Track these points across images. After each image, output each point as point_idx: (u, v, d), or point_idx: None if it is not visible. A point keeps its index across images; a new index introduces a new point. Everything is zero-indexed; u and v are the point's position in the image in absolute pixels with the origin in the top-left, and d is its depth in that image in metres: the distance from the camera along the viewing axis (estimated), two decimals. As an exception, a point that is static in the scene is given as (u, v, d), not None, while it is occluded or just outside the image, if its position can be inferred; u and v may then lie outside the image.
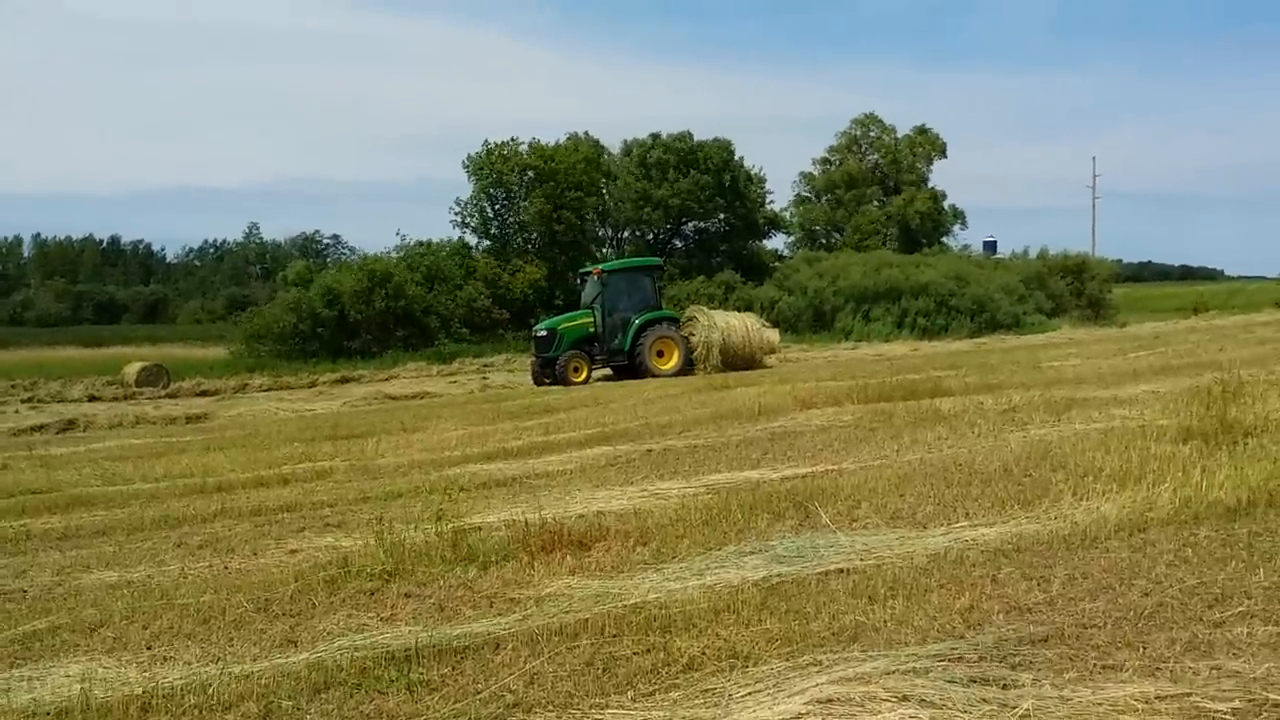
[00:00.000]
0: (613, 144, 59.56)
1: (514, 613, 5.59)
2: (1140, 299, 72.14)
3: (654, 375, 27.52)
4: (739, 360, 29.46)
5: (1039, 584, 5.42)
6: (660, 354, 28.30)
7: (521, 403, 21.12)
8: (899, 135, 69.13)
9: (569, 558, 6.60)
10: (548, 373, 28.03)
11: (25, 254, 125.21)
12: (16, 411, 27.98)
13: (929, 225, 65.24)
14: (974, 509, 7.13)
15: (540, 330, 28.71)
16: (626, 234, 59.32)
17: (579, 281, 31.50)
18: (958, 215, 69.22)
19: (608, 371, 29.08)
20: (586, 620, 5.31)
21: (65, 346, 58.85)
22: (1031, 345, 33.04)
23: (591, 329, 28.30)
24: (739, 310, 36.42)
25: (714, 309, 32.18)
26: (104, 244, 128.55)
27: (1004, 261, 60.81)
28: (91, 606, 6.56)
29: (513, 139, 53.17)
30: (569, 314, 29.44)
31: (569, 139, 55.78)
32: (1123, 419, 10.62)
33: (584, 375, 27.79)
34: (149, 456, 15.64)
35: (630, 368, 28.21)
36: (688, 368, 28.54)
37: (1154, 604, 5.01)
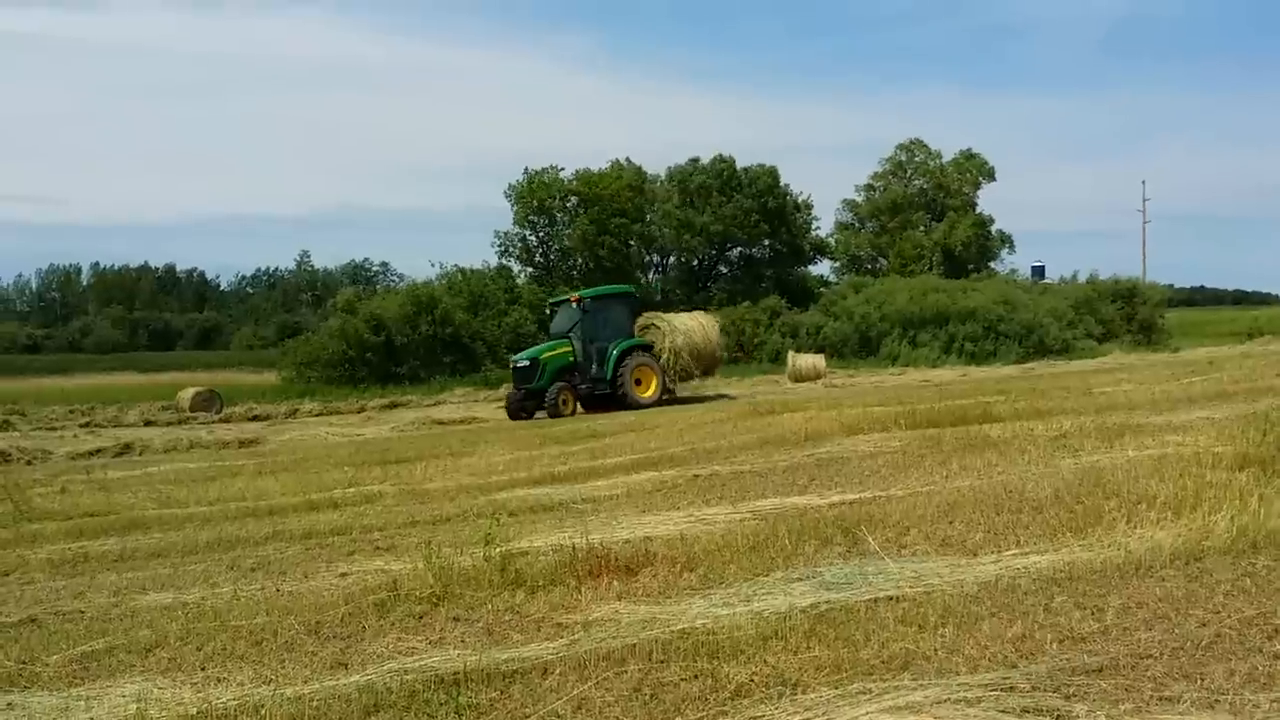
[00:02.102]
0: (657, 171, 59.78)
1: (561, 637, 5.59)
2: (1194, 324, 71.19)
3: (635, 405, 26.95)
4: (704, 358, 29.59)
5: (1093, 613, 5.35)
6: (638, 382, 27.84)
7: (567, 428, 21.17)
8: (945, 160, 68.90)
9: (616, 583, 6.59)
10: (529, 405, 27.13)
11: (84, 282, 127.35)
12: (75, 436, 28.45)
13: (974, 251, 64.86)
14: (1025, 536, 7.05)
15: (521, 361, 27.88)
16: (671, 259, 59.45)
17: (549, 311, 30.64)
18: (1005, 239, 68.91)
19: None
20: (634, 646, 5.30)
21: (122, 372, 59.74)
22: (1082, 371, 32.69)
23: (571, 358, 27.51)
24: (693, 311, 34.91)
25: (670, 315, 31.64)
26: (160, 272, 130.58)
27: (1053, 286, 60.39)
28: (147, 628, 6.62)
29: (552, 165, 53.48)
30: (548, 344, 28.40)
31: (611, 165, 55.98)
32: (1177, 445, 10.46)
33: (571, 407, 26.99)
34: (203, 480, 15.83)
35: (611, 397, 27.41)
36: (666, 393, 28.37)
37: (1211, 634, 4.93)
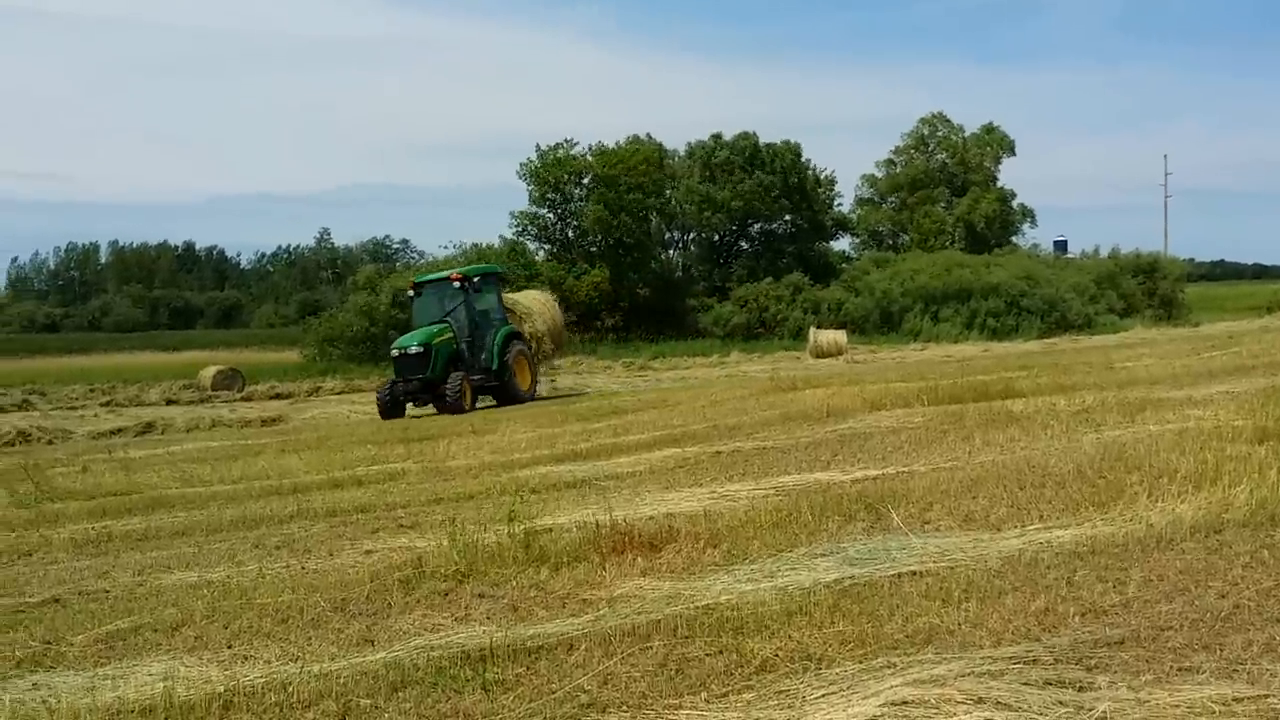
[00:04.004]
0: (677, 147, 59.61)
1: (586, 613, 5.62)
2: (1214, 298, 70.91)
3: (518, 398, 24.48)
4: (559, 341, 28.42)
5: (1114, 586, 5.36)
6: (514, 374, 25.01)
7: (590, 405, 21.21)
8: (966, 134, 68.55)
9: (640, 559, 6.62)
10: (422, 398, 23.67)
11: (103, 260, 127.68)
12: (96, 415, 28.62)
13: (996, 226, 64.62)
14: (1048, 511, 7.05)
15: (411, 347, 23.60)
16: (692, 236, 59.35)
17: (412, 292, 25.61)
18: (1027, 214, 68.66)
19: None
20: (659, 621, 5.33)
21: (143, 351, 60.06)
22: (1104, 345, 32.60)
23: (455, 345, 23.98)
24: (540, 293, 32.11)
25: (514, 295, 29.38)
26: (179, 250, 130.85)
27: (1075, 261, 60.31)
28: (173, 606, 6.67)
29: (565, 141, 53.30)
30: (433, 328, 24.09)
31: (630, 141, 55.78)
32: (1197, 420, 10.43)
33: (469, 401, 23.49)
34: (226, 459, 15.92)
35: (498, 389, 24.63)
36: (534, 385, 25.97)
37: (1230, 606, 4.93)
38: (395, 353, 24.01)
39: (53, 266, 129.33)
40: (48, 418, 27.53)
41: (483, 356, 24.25)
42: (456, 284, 24.37)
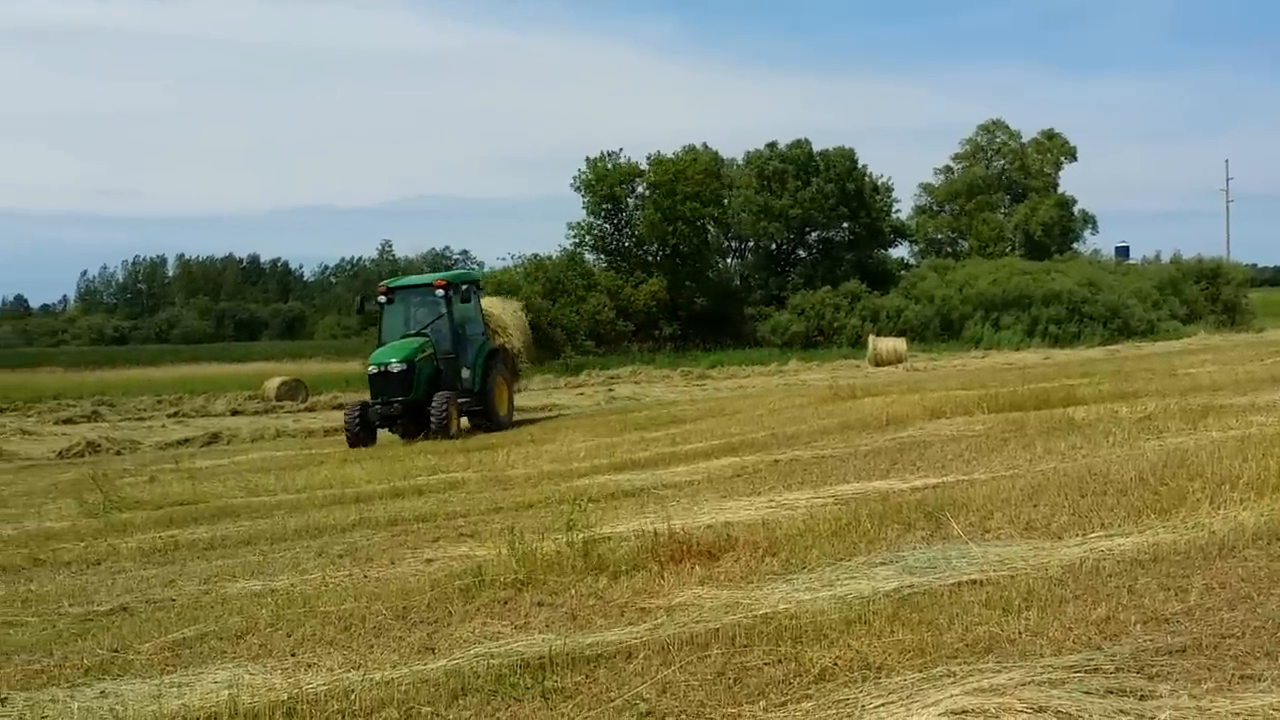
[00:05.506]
0: (734, 155, 59.48)
1: (645, 622, 5.64)
2: (1277, 303, 69.56)
3: (499, 424, 21.42)
4: (533, 354, 25.86)
5: (1176, 594, 5.31)
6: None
7: (648, 414, 21.25)
8: (1025, 140, 67.88)
9: (698, 568, 6.63)
10: (394, 425, 20.38)
11: (170, 274, 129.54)
12: (163, 426, 29.04)
13: (1057, 232, 63.93)
14: (1109, 519, 6.99)
15: (392, 363, 20.11)
16: (750, 245, 59.23)
17: (384, 299, 21.54)
18: (1088, 220, 67.73)
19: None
20: (717, 630, 5.34)
21: (208, 363, 60.69)
22: (1166, 352, 32.20)
23: (435, 363, 20.74)
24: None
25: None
26: (244, 263, 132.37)
27: (1137, 267, 59.60)
28: (237, 614, 6.76)
29: (615, 150, 53.42)
30: (407, 343, 20.72)
31: (686, 150, 55.75)
32: (1260, 426, 10.30)
33: (457, 425, 20.39)
34: (289, 468, 16.12)
35: (481, 413, 21.32)
36: (511, 409, 22.86)
37: (1294, 614, 4.88)
38: (373, 369, 20.45)
39: (121, 280, 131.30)
40: (116, 429, 27.97)
41: (464, 375, 21.06)
42: (440, 292, 21.07)
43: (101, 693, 5.32)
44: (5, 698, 5.36)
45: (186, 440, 24.37)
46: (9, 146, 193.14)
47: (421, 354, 20.35)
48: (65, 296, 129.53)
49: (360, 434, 19.84)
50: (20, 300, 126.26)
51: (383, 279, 28.85)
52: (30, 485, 16.63)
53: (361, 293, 27.23)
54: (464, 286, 21.73)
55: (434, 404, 19.69)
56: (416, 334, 20.98)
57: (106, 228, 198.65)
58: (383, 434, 20.51)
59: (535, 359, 26.78)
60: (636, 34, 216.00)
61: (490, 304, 24.56)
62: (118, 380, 45.44)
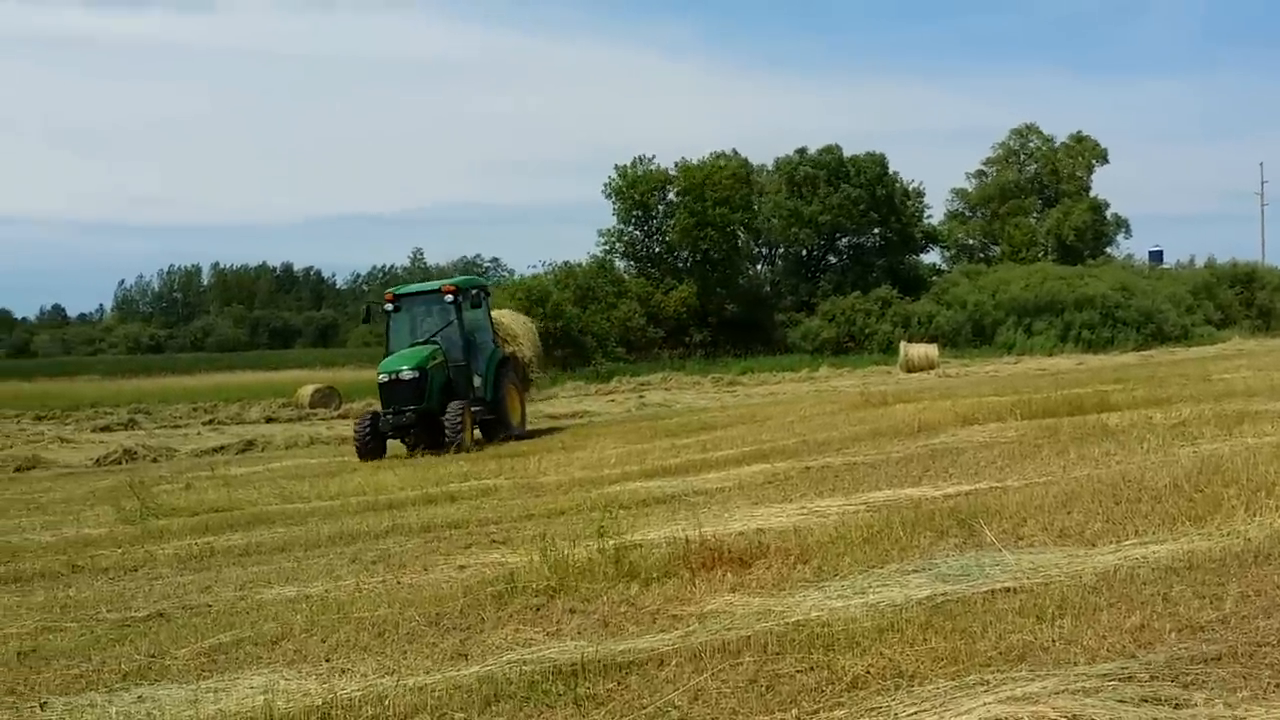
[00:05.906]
0: (763, 161, 59.45)
1: (677, 629, 5.65)
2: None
3: (511, 434, 20.93)
4: (544, 363, 25.96)
5: (1211, 602, 5.28)
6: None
7: (679, 421, 21.25)
8: (1056, 144, 67.46)
9: (730, 575, 6.63)
10: (406, 435, 19.71)
11: (205, 282, 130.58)
12: (199, 433, 29.29)
13: (1089, 236, 63.52)
14: (1144, 526, 6.95)
15: (404, 371, 19.54)
16: (780, 250, 59.15)
17: (390, 306, 21.29)
18: (1121, 224, 67.25)
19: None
20: (749, 638, 5.34)
21: (243, 371, 60.99)
22: (1200, 357, 31.97)
23: (446, 371, 20.23)
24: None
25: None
26: (278, 271, 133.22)
27: (1170, 271, 59.18)
28: (273, 620, 6.82)
29: (645, 156, 53.47)
30: (418, 350, 20.18)
31: (715, 156, 55.76)
32: (1298, 432, 10.22)
33: (472, 436, 19.74)
34: (323, 475, 16.21)
35: (493, 423, 20.89)
36: (524, 417, 22.59)
37: (1331, 623, 4.84)
38: (383, 378, 19.85)
39: (157, 289, 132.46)
40: (153, 436, 28.25)
41: (476, 383, 20.72)
42: (449, 298, 20.45)
43: (139, 698, 5.37)
44: (45, 702, 5.42)
45: (222, 447, 24.53)
46: (46, 157, 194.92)
47: (433, 361, 19.87)
48: (102, 305, 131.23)
49: (370, 445, 19.13)
50: (58, 309, 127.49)
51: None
52: (68, 492, 16.79)
53: (368, 301, 26.69)
54: (474, 292, 21.42)
55: (449, 413, 19.14)
56: (425, 341, 20.52)
57: (142, 237, 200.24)
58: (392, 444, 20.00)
59: (545, 368, 26.82)
60: (663, 40, 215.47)
61: (500, 314, 24.39)
62: (154, 388, 45.78)
